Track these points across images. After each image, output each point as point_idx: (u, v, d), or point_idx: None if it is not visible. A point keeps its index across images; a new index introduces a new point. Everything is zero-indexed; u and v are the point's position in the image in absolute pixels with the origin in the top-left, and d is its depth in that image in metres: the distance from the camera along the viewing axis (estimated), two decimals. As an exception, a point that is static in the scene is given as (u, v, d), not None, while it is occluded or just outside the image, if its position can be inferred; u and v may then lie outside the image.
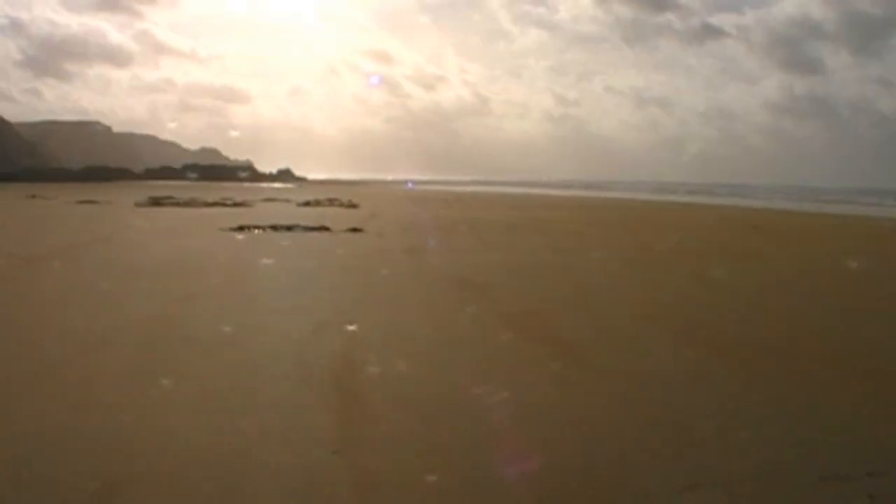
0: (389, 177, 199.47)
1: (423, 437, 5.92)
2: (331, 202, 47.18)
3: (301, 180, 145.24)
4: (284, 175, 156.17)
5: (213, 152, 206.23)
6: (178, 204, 42.91)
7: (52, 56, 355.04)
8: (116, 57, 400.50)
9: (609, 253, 20.49)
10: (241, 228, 25.09)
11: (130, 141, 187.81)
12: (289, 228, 25.19)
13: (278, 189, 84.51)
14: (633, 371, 8.03)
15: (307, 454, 5.50)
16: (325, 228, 25.11)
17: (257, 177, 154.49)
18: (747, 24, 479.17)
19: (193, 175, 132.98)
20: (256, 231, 24.67)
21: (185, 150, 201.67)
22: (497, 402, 6.81)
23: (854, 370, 8.22)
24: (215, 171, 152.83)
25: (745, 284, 14.99)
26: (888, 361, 8.73)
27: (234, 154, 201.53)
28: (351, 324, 10.00)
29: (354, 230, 24.95)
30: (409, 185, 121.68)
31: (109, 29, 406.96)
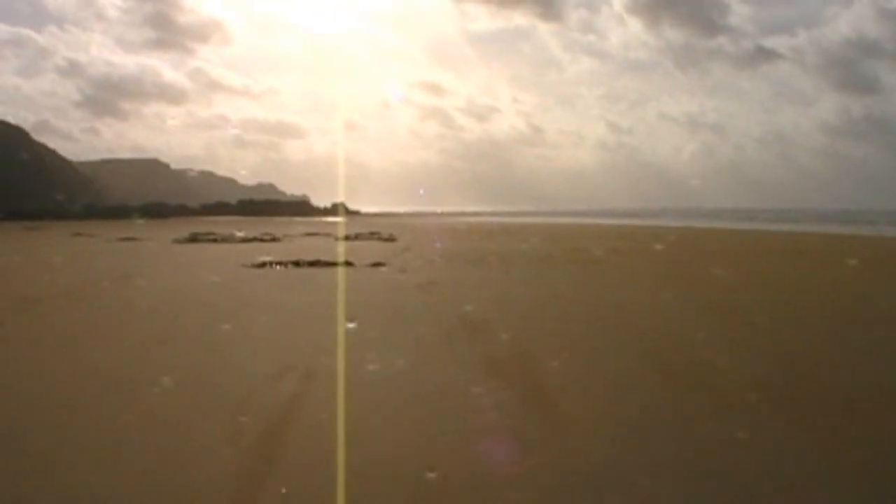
0: (440, 209, 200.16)
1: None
2: (371, 235, 46.92)
3: (354, 214, 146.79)
4: (338, 209, 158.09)
5: (270, 187, 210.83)
6: (214, 240, 43.14)
7: (109, 95, 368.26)
8: (171, 94, 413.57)
9: (634, 285, 19.31)
10: (262, 265, 24.64)
11: (188, 177, 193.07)
12: (311, 264, 24.64)
13: (328, 223, 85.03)
14: (609, 424, 7.01)
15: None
16: (348, 263, 24.50)
17: (312, 211, 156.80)
18: (801, 46, 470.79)
19: (243, 210, 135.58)
20: (277, 267, 24.17)
21: (242, 186, 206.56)
22: (451, 466, 5.87)
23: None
24: (270, 205, 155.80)
25: (766, 317, 13.72)
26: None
27: (291, 189, 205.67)
28: (315, 368, 9.21)
29: (377, 264, 24.29)
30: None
31: (164, 67, 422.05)
